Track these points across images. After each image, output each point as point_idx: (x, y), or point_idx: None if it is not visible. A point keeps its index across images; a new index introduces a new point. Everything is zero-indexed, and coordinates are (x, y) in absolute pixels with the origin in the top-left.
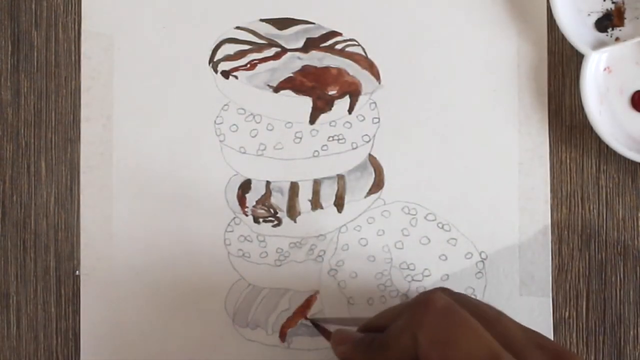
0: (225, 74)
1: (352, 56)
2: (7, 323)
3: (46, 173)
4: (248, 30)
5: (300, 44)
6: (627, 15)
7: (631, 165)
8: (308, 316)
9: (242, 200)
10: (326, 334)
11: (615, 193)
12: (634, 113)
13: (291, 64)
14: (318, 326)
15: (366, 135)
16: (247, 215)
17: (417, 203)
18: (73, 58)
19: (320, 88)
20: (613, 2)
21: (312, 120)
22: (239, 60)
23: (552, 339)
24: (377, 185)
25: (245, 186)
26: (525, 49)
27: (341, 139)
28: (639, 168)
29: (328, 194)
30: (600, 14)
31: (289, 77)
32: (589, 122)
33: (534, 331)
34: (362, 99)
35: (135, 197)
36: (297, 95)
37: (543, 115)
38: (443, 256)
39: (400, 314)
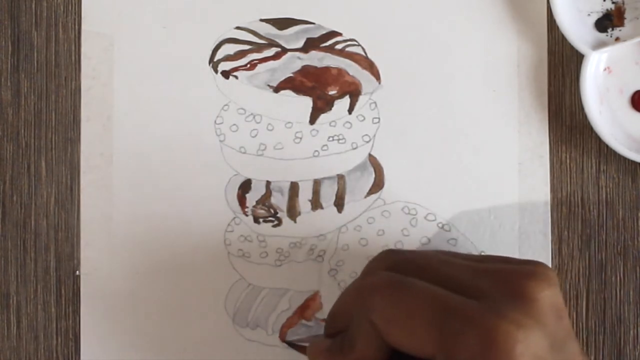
0: (225, 74)
1: (352, 56)
2: (7, 323)
3: (46, 173)
4: (248, 30)
5: (300, 44)
6: (627, 15)
7: (631, 165)
8: (303, 321)
9: (242, 200)
10: (303, 350)
11: (615, 193)
12: (634, 113)
13: (291, 64)
14: (294, 346)
15: (366, 135)
16: (247, 215)
17: (417, 203)
18: (73, 58)
19: (320, 88)
20: (613, 2)
21: (312, 120)
22: (239, 60)
23: None
24: (377, 185)
25: (245, 186)
26: (525, 49)
27: (341, 139)
28: (639, 168)
29: (328, 194)
30: (600, 14)
31: (289, 77)
32: (589, 122)
33: (486, 257)
34: (362, 99)
35: (135, 197)
36: (297, 95)
37: (543, 115)
38: None
39: (351, 302)
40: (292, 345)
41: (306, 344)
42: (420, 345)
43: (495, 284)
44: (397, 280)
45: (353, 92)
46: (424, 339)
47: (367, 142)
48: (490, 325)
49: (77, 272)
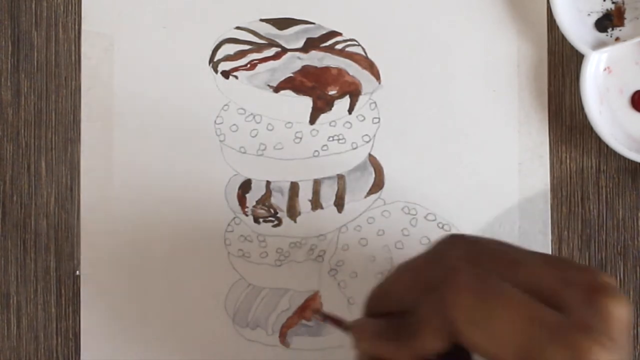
0: (225, 74)
1: (352, 56)
2: (7, 323)
3: (46, 173)
4: (248, 30)
5: (300, 44)
6: (627, 15)
7: (631, 165)
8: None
9: (242, 200)
10: (341, 324)
11: (615, 193)
12: (634, 113)
13: (291, 64)
14: (330, 318)
15: (366, 135)
16: (247, 215)
17: (417, 203)
18: (73, 58)
19: (320, 88)
20: (613, 2)
21: (312, 120)
22: (239, 60)
23: None
24: (377, 185)
25: (245, 186)
26: (525, 49)
27: (341, 139)
28: (639, 168)
29: (328, 194)
30: (600, 14)
31: (289, 77)
32: (589, 122)
33: (557, 261)
34: (362, 99)
35: (135, 197)
36: (297, 95)
37: (543, 115)
38: None
39: (410, 285)
40: (327, 317)
41: (342, 319)
42: (499, 351)
43: (576, 295)
44: (486, 282)
45: (353, 92)
46: (505, 346)
47: (367, 142)
48: (579, 344)
49: (77, 272)
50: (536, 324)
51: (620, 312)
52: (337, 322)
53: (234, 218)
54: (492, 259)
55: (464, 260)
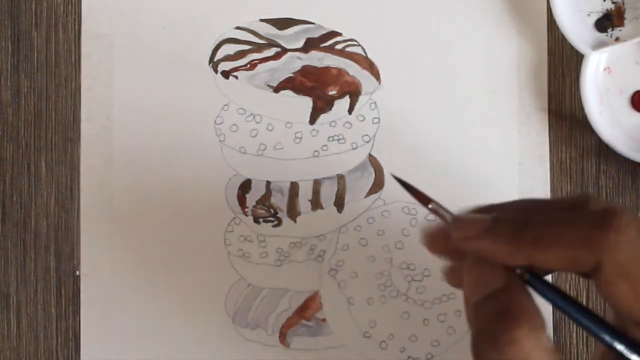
0: (225, 74)
1: (352, 56)
2: (7, 323)
3: (46, 173)
4: (248, 30)
5: (300, 44)
6: (627, 15)
7: (631, 165)
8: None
9: (242, 200)
10: (422, 198)
11: (615, 193)
12: (634, 113)
13: (291, 64)
14: (409, 186)
15: (366, 135)
16: (247, 215)
17: (417, 203)
18: (73, 58)
19: (320, 88)
20: (613, 2)
21: (312, 120)
22: (239, 60)
23: (551, 339)
24: (377, 185)
25: (245, 186)
26: (525, 49)
27: (341, 139)
28: (639, 168)
29: (328, 194)
30: (600, 14)
31: (289, 77)
32: (589, 122)
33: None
34: (362, 99)
35: (135, 197)
36: (297, 95)
37: (543, 115)
38: None
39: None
40: (405, 184)
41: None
42: None
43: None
44: None
45: (353, 92)
46: None
47: (367, 142)
48: None
49: (77, 272)
50: None
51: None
52: (419, 195)
53: (234, 218)
54: None
55: (627, 218)
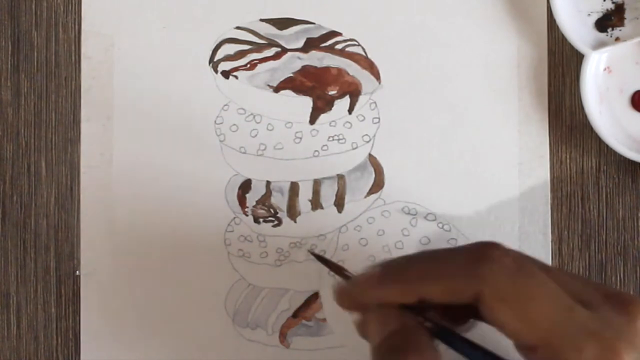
0: (225, 74)
1: (352, 56)
2: (7, 323)
3: (46, 173)
4: (248, 30)
5: (300, 44)
6: (627, 15)
7: (631, 165)
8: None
9: (242, 200)
10: (335, 268)
11: (615, 193)
12: (634, 113)
13: (291, 64)
14: (324, 260)
15: (366, 135)
16: (247, 215)
17: (417, 203)
18: (73, 58)
19: (320, 88)
20: (613, 2)
21: (312, 120)
22: (239, 60)
23: None
24: (377, 185)
25: (245, 186)
26: (525, 49)
27: (341, 139)
28: (639, 168)
29: (328, 194)
30: (600, 14)
31: (289, 77)
32: (589, 122)
33: (593, 281)
34: (362, 99)
35: (135, 197)
36: (297, 95)
37: (543, 115)
38: None
39: (450, 261)
40: (321, 258)
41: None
42: (524, 332)
43: (604, 299)
44: (524, 264)
45: (353, 92)
46: (533, 327)
47: (367, 142)
48: (610, 342)
49: (77, 272)
50: (568, 312)
51: None
52: (334, 267)
53: (234, 218)
54: (528, 257)
55: (502, 249)
